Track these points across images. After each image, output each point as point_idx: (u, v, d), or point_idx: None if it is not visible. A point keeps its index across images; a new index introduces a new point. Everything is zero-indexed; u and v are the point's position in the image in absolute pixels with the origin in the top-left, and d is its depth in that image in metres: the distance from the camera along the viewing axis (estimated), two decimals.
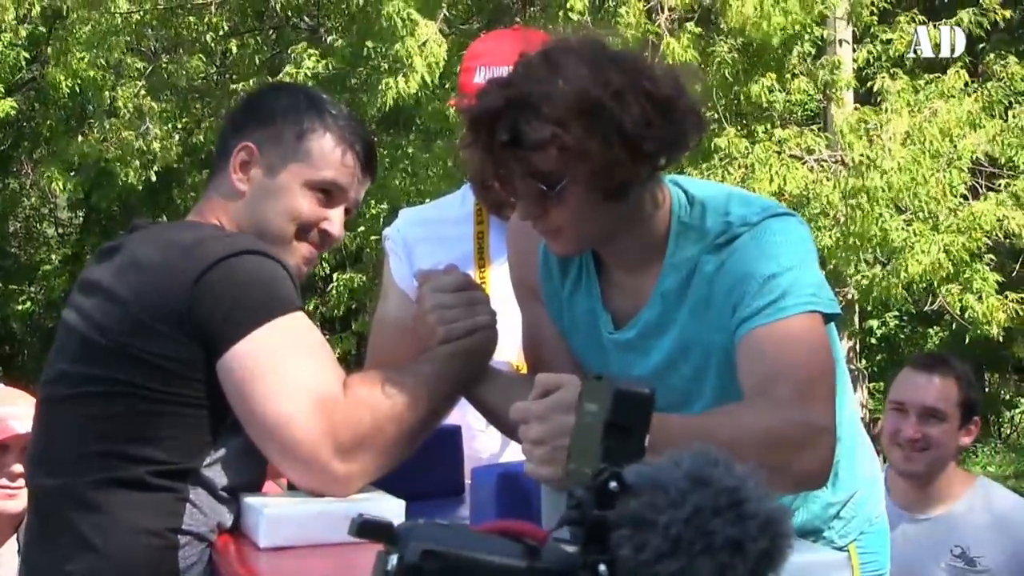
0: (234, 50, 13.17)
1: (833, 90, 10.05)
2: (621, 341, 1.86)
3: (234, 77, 12.90)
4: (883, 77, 9.73)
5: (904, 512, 3.18)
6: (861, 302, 10.15)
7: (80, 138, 12.97)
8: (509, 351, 2.13)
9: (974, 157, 9.52)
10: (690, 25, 9.74)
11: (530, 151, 1.65)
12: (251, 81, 11.95)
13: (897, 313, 12.96)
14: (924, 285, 9.53)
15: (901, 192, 8.80)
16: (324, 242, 2.01)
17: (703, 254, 1.77)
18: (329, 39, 11.86)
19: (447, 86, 10.08)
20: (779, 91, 9.91)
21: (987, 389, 15.51)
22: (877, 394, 13.13)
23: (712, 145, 9.26)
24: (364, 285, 11.99)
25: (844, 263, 9.10)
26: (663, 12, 9.91)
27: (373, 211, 11.03)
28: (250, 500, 1.82)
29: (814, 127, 10.25)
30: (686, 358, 1.81)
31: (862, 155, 8.95)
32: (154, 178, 12.30)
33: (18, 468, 2.72)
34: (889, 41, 10.14)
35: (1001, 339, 9.96)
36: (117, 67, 12.40)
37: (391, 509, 1.75)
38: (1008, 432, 17.55)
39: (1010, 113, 9.74)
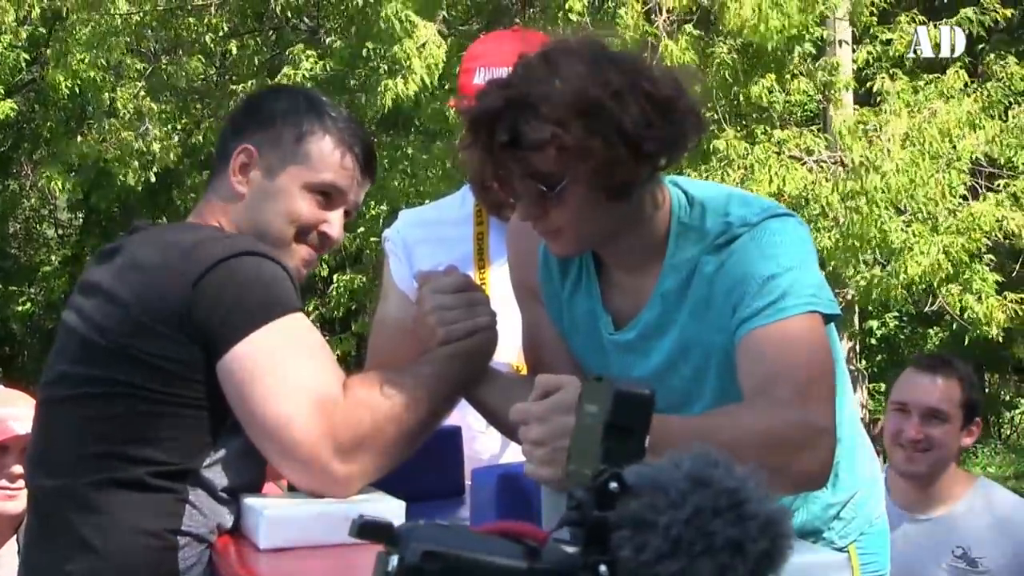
0: (234, 51, 13.16)
1: (831, 91, 10.05)
2: (621, 342, 1.86)
3: (234, 78, 12.90)
4: (882, 78, 9.73)
5: (905, 512, 3.18)
6: (861, 303, 10.15)
7: (79, 138, 12.97)
8: (509, 352, 2.13)
9: (973, 157, 9.52)
10: (689, 27, 9.74)
11: (529, 152, 1.65)
12: (250, 82, 11.95)
13: (897, 314, 12.96)
14: (924, 286, 9.54)
15: (900, 194, 8.80)
16: (323, 244, 2.01)
17: (703, 255, 1.77)
18: (328, 40, 11.85)
19: (447, 87, 10.08)
20: (779, 92, 9.91)
21: (987, 390, 15.50)
22: (877, 395, 13.13)
23: (711, 147, 9.26)
24: (364, 286, 11.99)
25: (843, 264, 9.10)
26: (661, 14, 9.91)
27: (373, 212, 11.03)
28: (250, 501, 1.82)
29: (813, 128, 10.25)
30: (686, 359, 1.81)
31: (861, 156, 8.94)
32: (153, 179, 12.29)
33: (18, 469, 2.72)
34: (889, 41, 10.14)
35: (1001, 340, 9.97)
36: (117, 68, 12.40)
37: (391, 510, 1.75)
38: (1008, 433, 17.55)
39: (1010, 113, 9.74)
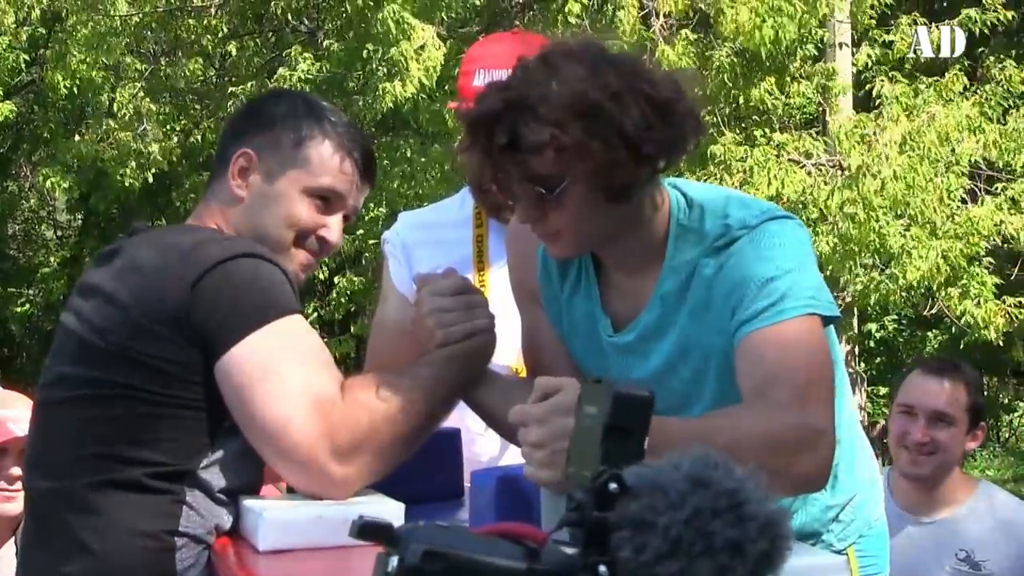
0: (233, 53, 13.17)
1: (828, 96, 10.05)
2: (620, 344, 1.86)
3: (233, 80, 12.90)
4: (882, 81, 9.73)
5: (909, 515, 3.19)
6: (860, 306, 10.15)
7: (77, 138, 12.97)
8: (508, 354, 2.13)
9: (972, 161, 9.52)
10: (686, 32, 9.74)
11: (528, 154, 1.65)
12: (250, 84, 11.95)
13: (896, 317, 12.96)
14: (923, 290, 9.54)
15: (897, 200, 8.80)
16: (322, 249, 2.01)
17: (702, 257, 1.77)
18: (326, 43, 11.85)
19: (446, 89, 10.08)
20: (779, 95, 9.91)
21: (986, 393, 15.47)
22: (875, 397, 13.12)
23: (708, 152, 9.26)
24: (363, 288, 11.99)
25: (840, 268, 9.09)
26: (658, 19, 9.91)
27: (372, 214, 11.03)
28: (249, 503, 1.82)
29: (812, 131, 10.25)
30: (685, 361, 1.81)
31: (859, 162, 8.94)
32: (151, 180, 12.29)
33: (16, 471, 2.72)
34: (890, 44, 10.14)
35: (1000, 343, 9.96)
36: (116, 68, 12.40)
37: (390, 512, 1.75)
38: (1007, 436, 17.55)
39: (1008, 117, 9.74)
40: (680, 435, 1.43)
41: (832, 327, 1.80)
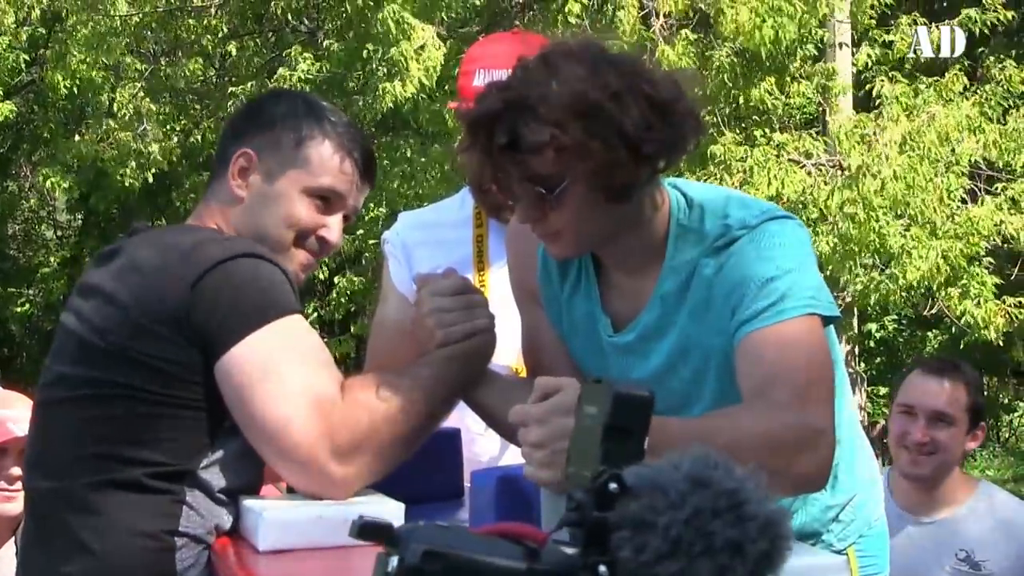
0: (233, 53, 13.17)
1: (828, 96, 10.04)
2: (620, 344, 1.86)
3: (233, 80, 12.90)
4: (882, 81, 9.73)
5: (909, 515, 3.19)
6: (860, 305, 10.15)
7: (77, 138, 12.98)
8: (508, 354, 2.13)
9: (972, 161, 9.52)
10: (686, 32, 9.73)
11: (528, 154, 1.65)
12: (249, 84, 11.95)
13: (896, 317, 12.96)
14: (923, 290, 9.54)
15: (896, 200, 8.80)
16: (322, 249, 2.01)
17: (702, 257, 1.77)
18: (325, 44, 11.85)
19: (446, 88, 10.08)
20: (779, 95, 9.91)
21: (986, 393, 15.46)
22: (875, 397, 13.12)
23: (708, 153, 9.26)
24: (363, 288, 11.99)
25: (840, 268, 9.09)
26: (658, 19, 9.91)
27: (372, 214, 11.03)
28: (249, 503, 1.82)
29: (812, 131, 10.25)
30: (685, 361, 1.81)
31: (859, 163, 8.94)
32: (151, 180, 12.29)
33: (16, 471, 2.72)
34: (890, 44, 10.14)
35: (1000, 343, 9.96)
36: (116, 68, 12.40)
37: (390, 512, 1.75)
38: (1006, 436, 17.55)
39: (1008, 117, 9.74)
40: (680, 435, 1.43)
41: (832, 327, 1.80)
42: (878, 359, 13.75)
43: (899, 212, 9.02)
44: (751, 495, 0.95)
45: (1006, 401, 16.44)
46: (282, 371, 1.76)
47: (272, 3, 12.32)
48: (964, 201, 9.62)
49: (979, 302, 9.51)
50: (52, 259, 16.70)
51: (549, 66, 1.67)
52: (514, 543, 0.99)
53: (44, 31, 13.75)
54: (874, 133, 9.26)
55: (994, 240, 9.54)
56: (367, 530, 0.96)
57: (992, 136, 9.42)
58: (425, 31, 10.08)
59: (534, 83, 1.65)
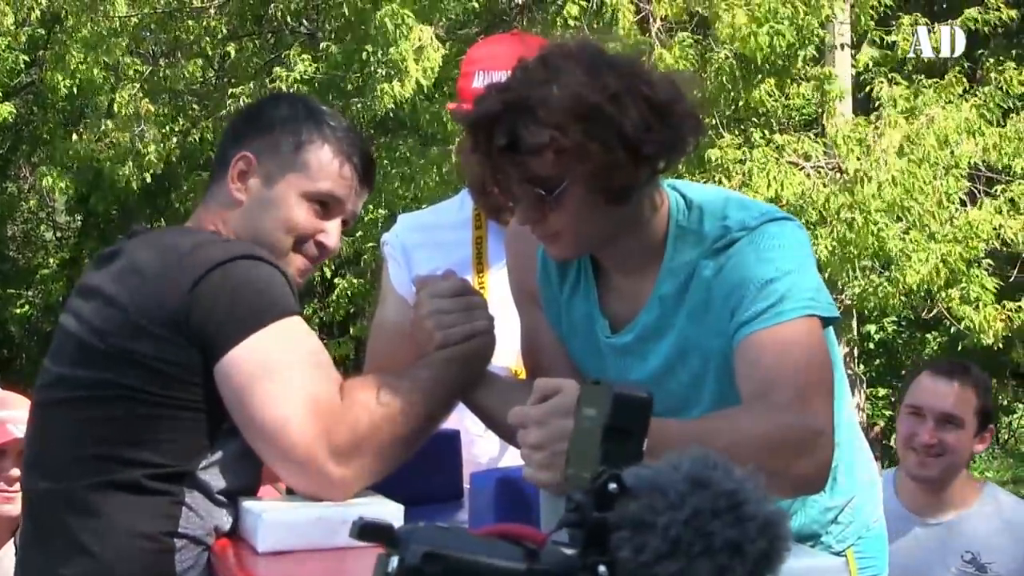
0: (232, 54, 13.16)
1: (826, 100, 10.04)
2: (618, 345, 1.86)
3: (232, 81, 12.90)
4: (881, 82, 9.73)
5: (915, 516, 3.19)
6: (859, 307, 10.15)
7: (74, 137, 12.98)
8: (508, 356, 2.14)
9: (971, 163, 9.52)
10: (683, 35, 9.73)
11: (528, 156, 1.65)
12: (251, 84, 11.95)
13: (895, 318, 12.96)
14: (922, 293, 9.53)
15: (895, 205, 8.80)
16: (320, 254, 2.01)
17: (701, 258, 1.77)
18: (324, 45, 11.85)
19: (445, 90, 10.08)
20: (779, 96, 9.90)
21: None
22: (875, 399, 13.12)
23: (706, 157, 9.26)
24: (363, 290, 11.98)
25: (839, 271, 9.09)
26: (655, 22, 9.91)
27: (371, 216, 11.02)
28: (249, 504, 1.82)
29: (811, 133, 10.24)
30: (684, 363, 1.81)
31: (857, 168, 8.94)
32: (149, 180, 12.29)
33: (16, 472, 2.72)
34: (893, 45, 10.13)
35: (1000, 345, 9.96)
36: (116, 69, 12.40)
37: (390, 514, 1.76)
38: (1006, 438, 17.55)
39: (1007, 120, 9.74)
40: (679, 437, 1.43)
41: (831, 328, 1.80)
42: (877, 361, 13.74)
43: (898, 216, 9.02)
44: (750, 496, 0.95)
45: (1005, 403, 16.44)
46: (281, 372, 1.76)
47: (271, 4, 12.32)
48: (964, 203, 9.62)
49: (978, 306, 9.51)
50: (51, 260, 16.70)
51: (548, 68, 1.67)
52: (513, 544, 0.99)
53: (43, 32, 13.75)
54: (872, 138, 9.25)
55: (993, 243, 9.54)
56: (367, 531, 0.96)
57: (992, 139, 9.42)
58: (424, 32, 10.08)
59: (534, 85, 1.66)
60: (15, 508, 2.74)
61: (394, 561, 0.95)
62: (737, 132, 10.03)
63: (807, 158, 9.63)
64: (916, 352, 13.39)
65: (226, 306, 1.77)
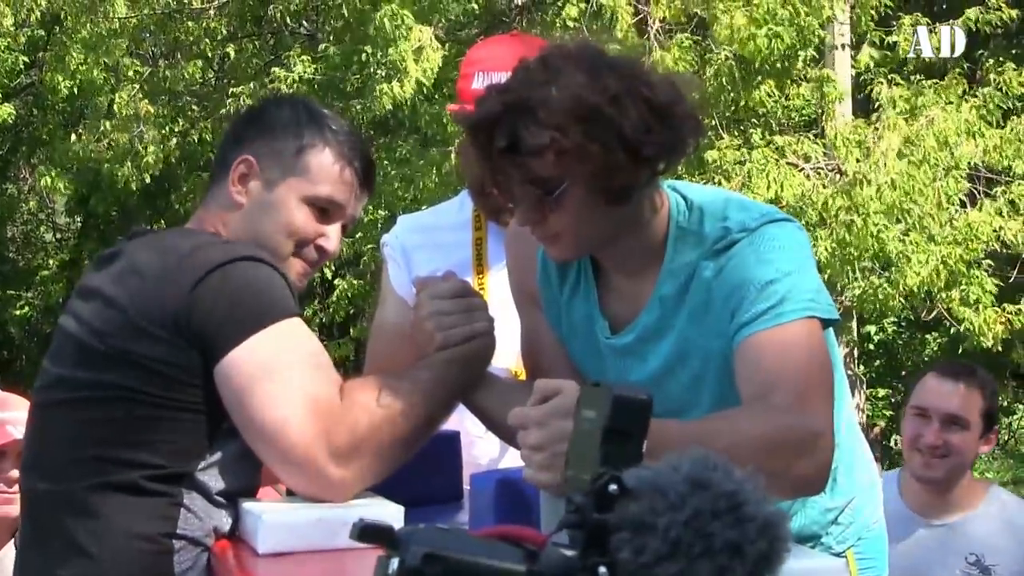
0: (232, 55, 13.17)
1: (825, 102, 10.04)
2: (618, 346, 1.86)
3: (232, 82, 12.90)
4: (881, 83, 9.73)
5: (919, 517, 3.18)
6: (859, 309, 10.15)
7: (74, 138, 12.98)
8: (508, 357, 2.14)
9: (971, 164, 9.52)
10: (682, 37, 9.73)
11: (528, 157, 1.65)
12: (249, 85, 11.95)
13: (895, 319, 12.97)
14: (922, 295, 9.53)
15: (894, 207, 8.80)
16: (320, 258, 2.01)
17: (701, 259, 1.77)
18: (323, 46, 11.85)
19: (444, 91, 10.08)
20: (779, 97, 9.90)
21: None
22: (875, 400, 13.12)
23: (706, 157, 9.25)
24: (363, 291, 11.98)
25: (839, 273, 9.09)
26: (654, 23, 9.91)
27: (370, 217, 11.03)
28: (248, 505, 1.82)
29: (811, 134, 10.24)
30: (684, 364, 1.81)
31: (856, 170, 8.93)
32: (148, 181, 12.29)
33: (15, 473, 2.72)
34: (893, 45, 10.13)
35: (999, 348, 9.97)
36: (115, 70, 12.41)
37: (390, 515, 1.75)
38: (1006, 439, 17.55)
39: (1007, 121, 9.74)
40: (679, 438, 1.42)
41: (831, 329, 1.80)
42: (877, 361, 13.75)
43: (897, 218, 9.02)
44: (750, 497, 0.95)
45: (1005, 403, 16.45)
46: (281, 373, 1.76)
47: (271, 6, 12.32)
48: (963, 204, 9.62)
49: (978, 308, 9.51)
50: (51, 262, 16.70)
51: (549, 69, 1.67)
52: (514, 545, 0.99)
53: (43, 33, 13.76)
54: (872, 140, 9.25)
55: (993, 245, 9.54)
56: (367, 532, 0.96)
57: (992, 141, 9.42)
58: (423, 33, 10.09)
59: (534, 86, 1.66)
60: (14, 509, 2.74)
61: (394, 563, 0.95)
62: (737, 133, 10.03)
63: (807, 159, 9.63)
64: (916, 353, 13.39)
65: (226, 307, 1.77)
